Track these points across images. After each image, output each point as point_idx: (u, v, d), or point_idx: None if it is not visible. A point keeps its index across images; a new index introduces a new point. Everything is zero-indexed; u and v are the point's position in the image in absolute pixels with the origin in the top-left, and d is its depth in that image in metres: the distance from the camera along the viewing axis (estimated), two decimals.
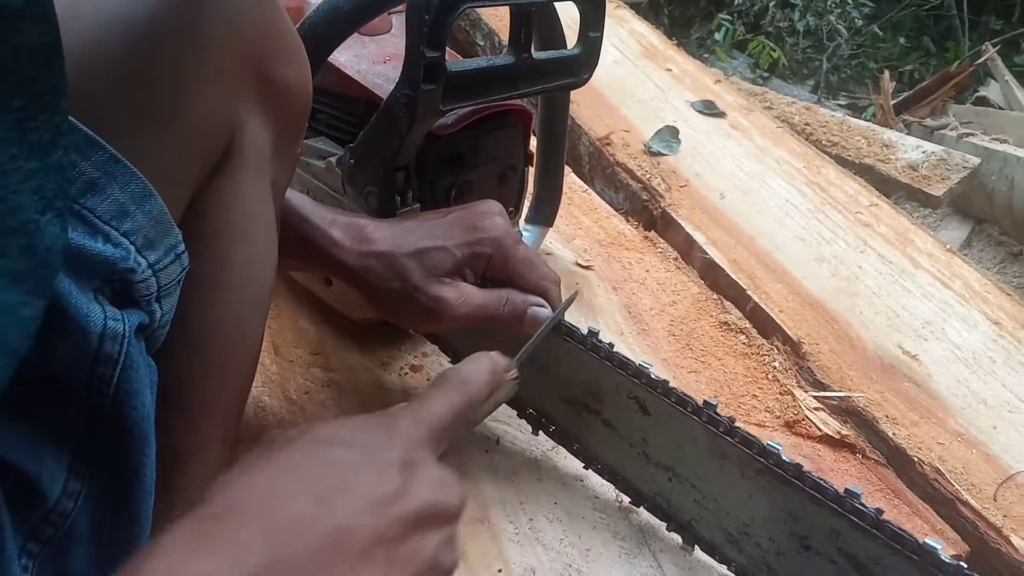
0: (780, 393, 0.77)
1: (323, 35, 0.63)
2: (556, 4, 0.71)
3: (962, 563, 0.46)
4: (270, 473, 0.36)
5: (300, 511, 0.34)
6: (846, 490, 0.50)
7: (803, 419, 0.74)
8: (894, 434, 0.82)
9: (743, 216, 1.14)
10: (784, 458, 0.52)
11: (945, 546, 0.47)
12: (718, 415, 0.55)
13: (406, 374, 0.76)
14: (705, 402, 0.56)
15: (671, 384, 0.57)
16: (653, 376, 0.58)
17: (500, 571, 0.60)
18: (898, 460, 0.80)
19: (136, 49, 0.42)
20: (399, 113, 0.61)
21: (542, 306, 0.61)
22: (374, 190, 0.67)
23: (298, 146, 0.54)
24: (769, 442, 0.53)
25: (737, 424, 0.55)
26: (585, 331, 0.61)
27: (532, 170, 0.80)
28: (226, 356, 0.50)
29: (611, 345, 0.60)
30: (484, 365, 0.48)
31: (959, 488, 0.78)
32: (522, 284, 0.61)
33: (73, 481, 0.42)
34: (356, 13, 0.62)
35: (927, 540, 0.47)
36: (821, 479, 0.51)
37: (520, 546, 0.62)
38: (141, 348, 0.43)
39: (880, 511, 0.49)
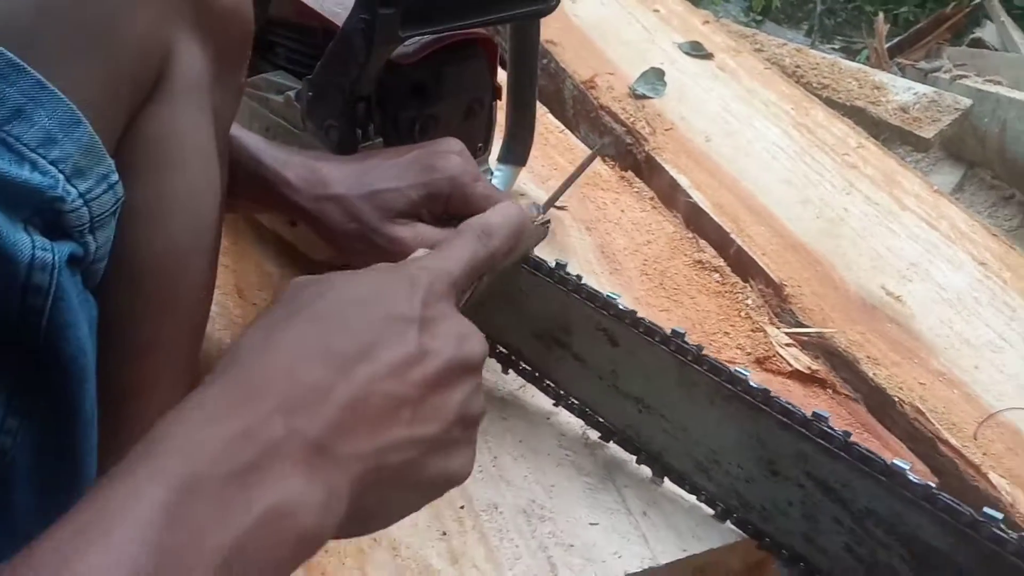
0: (752, 330, 0.76)
1: None
2: None
3: (930, 483, 0.45)
4: (290, 339, 0.35)
5: (318, 380, 0.33)
6: (813, 414, 0.49)
7: (774, 355, 0.73)
8: (875, 374, 0.81)
9: (728, 159, 1.12)
10: (752, 384, 0.51)
11: (913, 466, 0.46)
12: (686, 343, 0.54)
13: None
14: (673, 331, 0.54)
15: (639, 315, 0.56)
16: (621, 307, 0.57)
17: (463, 507, 0.59)
18: (878, 400, 0.80)
19: None
20: (356, 40, 0.59)
21: None
22: (334, 124, 0.65)
23: (241, 75, 0.52)
24: (737, 368, 0.52)
25: (705, 352, 0.54)
26: (552, 264, 0.60)
27: (503, 105, 0.77)
28: (168, 291, 0.48)
29: (579, 277, 0.59)
30: (510, 214, 0.48)
31: (939, 427, 0.77)
32: None
33: (11, 418, 0.41)
34: None
35: (895, 460, 0.46)
36: (789, 403, 0.50)
37: (484, 483, 0.61)
38: (76, 281, 0.42)
39: (848, 433, 0.48)
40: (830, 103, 1.42)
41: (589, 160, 0.58)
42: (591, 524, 0.58)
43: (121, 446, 0.47)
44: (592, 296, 0.58)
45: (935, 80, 1.70)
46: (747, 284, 0.84)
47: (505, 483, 0.61)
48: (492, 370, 0.69)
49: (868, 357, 0.84)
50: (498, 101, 0.74)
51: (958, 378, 0.83)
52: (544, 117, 1.07)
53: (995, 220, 1.57)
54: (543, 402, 0.66)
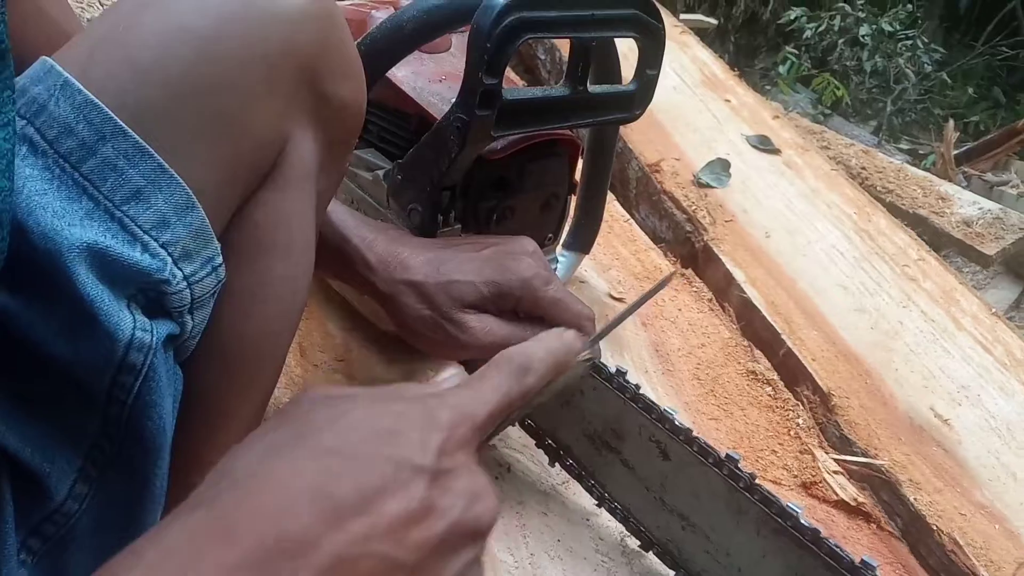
0: (800, 452, 0.76)
1: (383, 52, 0.63)
2: (616, 39, 0.71)
3: None
4: (285, 473, 0.32)
5: (304, 530, 0.30)
6: (862, 561, 0.49)
7: (820, 481, 0.73)
8: (915, 499, 0.80)
9: (786, 257, 1.12)
10: (803, 521, 0.51)
11: None
12: (739, 470, 0.54)
13: None
14: (727, 455, 0.55)
15: (694, 433, 0.57)
16: (677, 423, 0.57)
17: None
18: (916, 527, 0.78)
19: (198, 59, 0.42)
20: (451, 135, 0.62)
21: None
22: (417, 208, 0.67)
23: (346, 161, 0.54)
24: (789, 504, 0.52)
25: (757, 481, 0.54)
26: (613, 369, 0.61)
27: (574, 198, 0.80)
28: (253, 369, 0.50)
29: (637, 387, 0.60)
30: (553, 348, 0.43)
31: (976, 563, 0.75)
32: (554, 323, 0.62)
33: (81, 484, 0.42)
34: (418, 33, 0.62)
35: None
36: (837, 546, 0.50)
37: None
38: (168, 358, 0.43)
39: None
40: (893, 208, 1.41)
41: (652, 293, 0.58)
42: None
43: None
44: (648, 408, 0.59)
45: (1001, 194, 1.69)
46: (799, 403, 0.84)
47: None
48: (538, 462, 0.70)
49: (911, 480, 0.82)
50: (573, 196, 0.76)
51: (1000, 512, 0.81)
52: (610, 205, 1.09)
53: None
54: (585, 502, 0.67)
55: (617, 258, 0.98)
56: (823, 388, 0.90)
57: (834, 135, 1.61)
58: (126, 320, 0.40)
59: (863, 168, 1.48)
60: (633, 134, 1.28)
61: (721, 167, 1.26)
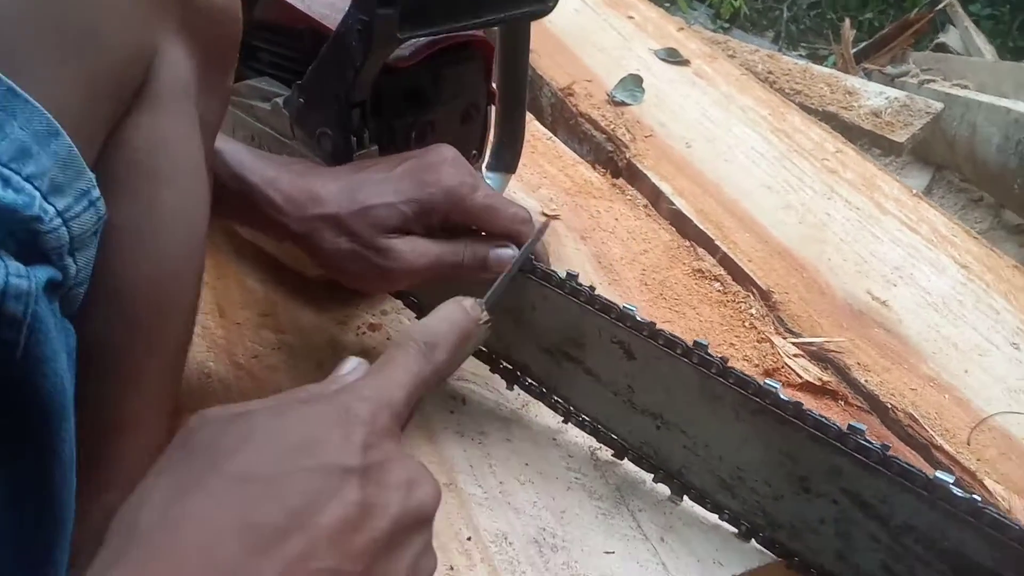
0: (758, 341, 0.75)
1: None
2: None
3: (974, 495, 0.44)
4: (201, 511, 0.30)
5: (236, 568, 0.28)
6: (849, 427, 0.47)
7: (782, 367, 0.72)
8: (866, 381, 0.81)
9: (709, 165, 1.11)
10: (782, 396, 0.49)
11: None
12: (710, 355, 0.52)
13: (364, 333, 0.71)
14: (696, 342, 0.52)
15: (657, 326, 0.54)
16: (639, 318, 0.54)
17: (470, 539, 0.56)
18: (871, 407, 0.79)
19: None
20: (352, 42, 0.56)
21: (506, 247, 0.57)
22: (327, 131, 0.61)
23: (229, 80, 0.49)
24: (766, 381, 0.50)
25: (730, 364, 0.51)
26: (563, 275, 0.57)
27: (494, 109, 0.75)
28: (156, 316, 0.44)
29: (592, 288, 0.56)
30: (453, 319, 0.43)
31: (932, 433, 0.77)
32: (489, 231, 0.58)
33: None
34: None
35: (937, 474, 0.44)
36: (823, 417, 0.48)
37: (490, 511, 0.58)
38: (54, 309, 0.38)
39: (886, 447, 0.46)
40: (803, 108, 1.42)
41: (534, 239, 0.56)
42: (606, 553, 0.56)
43: (101, 490, 0.43)
44: (607, 308, 0.55)
45: (903, 84, 1.73)
46: (749, 294, 0.82)
47: (513, 511, 0.58)
48: (494, 388, 0.66)
49: (859, 364, 0.83)
50: (492, 107, 0.72)
51: (948, 383, 0.83)
52: (531, 124, 1.05)
53: (965, 223, 1.59)
54: (549, 421, 0.64)
55: (545, 176, 0.94)
56: (762, 287, 0.89)
57: (738, 43, 1.61)
58: None
59: (769, 72, 1.48)
60: (541, 60, 1.24)
61: (634, 83, 1.24)
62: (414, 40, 0.61)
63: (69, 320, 0.40)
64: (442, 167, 0.57)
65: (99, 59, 0.39)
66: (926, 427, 0.77)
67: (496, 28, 0.72)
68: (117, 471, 0.44)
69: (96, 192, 0.39)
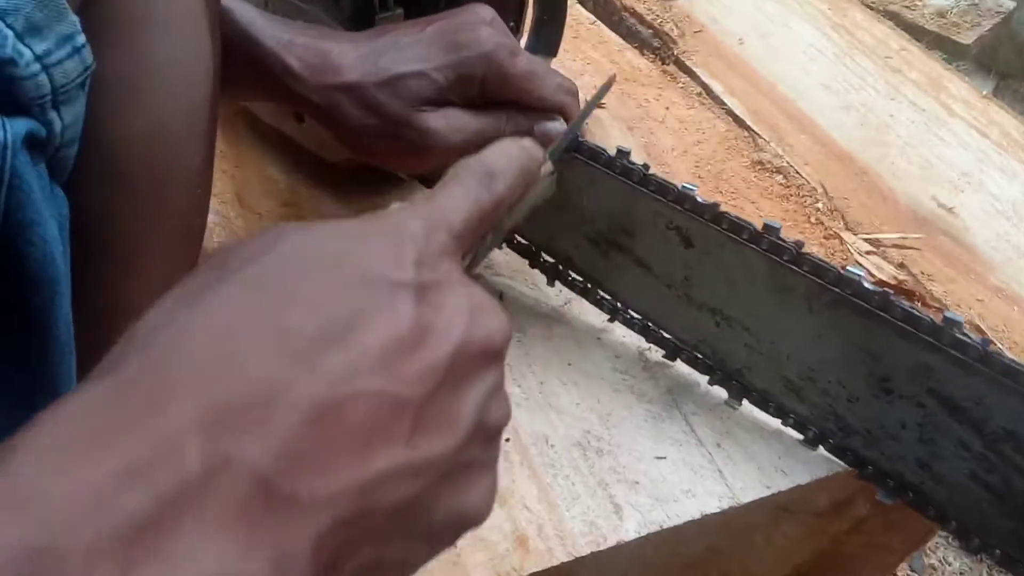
0: (825, 237, 0.69)
1: None
2: None
3: None
4: (216, 313, 0.23)
5: (263, 375, 0.21)
6: (945, 319, 0.41)
7: (853, 265, 0.66)
8: (931, 290, 0.75)
9: (763, 63, 1.04)
10: (867, 286, 0.43)
11: None
12: (782, 240, 0.46)
13: None
14: (766, 225, 0.46)
15: (721, 208, 0.47)
16: (700, 200, 0.48)
17: (508, 440, 0.52)
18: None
19: None
20: None
21: (554, 120, 0.51)
22: None
23: None
24: (849, 268, 0.44)
25: (805, 250, 0.45)
26: (613, 152, 0.51)
27: None
28: (155, 185, 0.39)
29: (646, 167, 0.50)
30: (514, 153, 0.35)
31: (1001, 347, 0.71)
32: (530, 102, 0.51)
33: None
34: None
35: None
36: (914, 308, 0.42)
37: (530, 412, 0.53)
38: (40, 172, 0.33)
39: (988, 341, 0.41)
40: (864, 7, 1.32)
41: (600, 95, 0.49)
42: (657, 458, 0.51)
43: None
44: (663, 189, 0.49)
45: None
46: (815, 187, 0.76)
47: (555, 412, 0.54)
48: (534, 284, 0.61)
49: (923, 273, 0.78)
50: None
51: (1017, 294, 0.77)
52: (572, 8, 0.97)
53: None
54: (594, 319, 0.58)
55: (589, 62, 0.87)
56: (814, 187, 0.83)
57: None
58: None
59: None
60: None
61: None
62: None
63: (60, 189, 0.35)
64: (479, 28, 0.50)
65: None
66: (994, 340, 0.72)
67: None
68: None
69: (81, 38, 0.34)
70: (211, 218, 0.50)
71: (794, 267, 0.45)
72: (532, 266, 0.59)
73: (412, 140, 0.50)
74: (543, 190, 0.38)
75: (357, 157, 0.55)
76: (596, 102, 0.49)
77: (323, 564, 0.21)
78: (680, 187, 0.48)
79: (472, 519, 0.26)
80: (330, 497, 0.21)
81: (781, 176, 0.75)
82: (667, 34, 1.06)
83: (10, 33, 0.31)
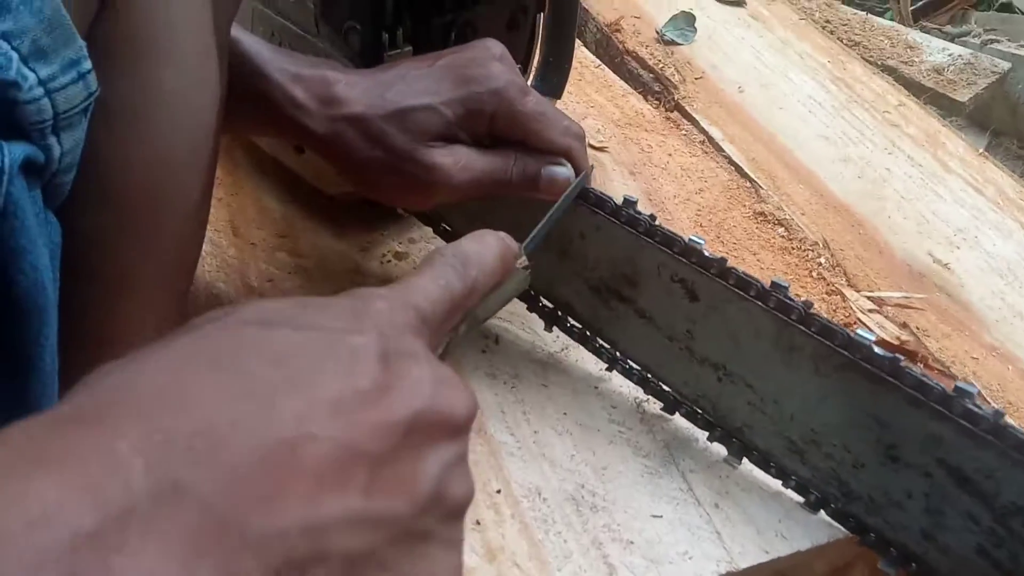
0: (827, 293, 0.68)
1: None
2: None
3: None
4: (172, 361, 0.23)
5: (217, 416, 0.21)
6: (956, 389, 0.40)
7: (855, 323, 0.65)
8: (927, 346, 0.75)
9: (763, 112, 1.04)
10: (876, 351, 0.42)
11: None
12: (790, 299, 0.45)
13: (389, 262, 0.65)
14: (773, 283, 0.45)
15: (729, 263, 0.46)
16: (707, 254, 0.47)
17: (499, 491, 0.50)
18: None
19: None
20: None
21: (562, 165, 0.50)
22: (356, 26, 0.54)
23: None
24: (858, 332, 0.43)
25: (814, 311, 0.44)
26: (619, 201, 0.50)
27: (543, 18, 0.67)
28: (149, 209, 0.38)
29: (652, 217, 0.49)
30: (490, 244, 0.35)
31: (995, 406, 0.71)
32: (537, 143, 0.50)
33: None
34: None
35: None
36: (924, 375, 0.41)
37: (523, 462, 0.52)
38: (35, 197, 0.32)
39: (1000, 413, 0.40)
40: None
41: (576, 188, 0.49)
42: (653, 516, 0.49)
43: None
44: (669, 241, 0.48)
45: (964, 44, 1.63)
46: (817, 242, 0.75)
47: (548, 463, 0.52)
48: (531, 328, 0.59)
49: (918, 328, 0.77)
50: (542, 14, 0.64)
51: (1012, 353, 0.76)
52: (577, 50, 0.97)
53: None
54: (591, 367, 0.57)
55: (592, 105, 0.87)
56: (816, 242, 0.83)
57: None
58: None
59: (827, 21, 1.38)
60: None
61: (685, 21, 1.16)
62: None
63: (53, 215, 0.34)
64: (490, 63, 0.49)
65: None
66: (988, 399, 0.71)
67: None
68: None
69: (87, 64, 0.33)
70: (204, 247, 0.49)
71: (802, 327, 0.44)
72: (530, 310, 0.58)
73: (417, 175, 0.49)
74: (518, 283, 0.38)
75: (359, 191, 0.54)
76: (582, 183, 0.49)
77: None
78: (687, 240, 0.48)
79: None
80: (281, 533, 0.21)
81: (783, 228, 0.74)
82: (668, 79, 1.07)
83: (15, 56, 0.30)
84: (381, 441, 0.23)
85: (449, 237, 0.62)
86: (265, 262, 0.63)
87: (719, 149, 0.93)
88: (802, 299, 0.44)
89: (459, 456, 0.27)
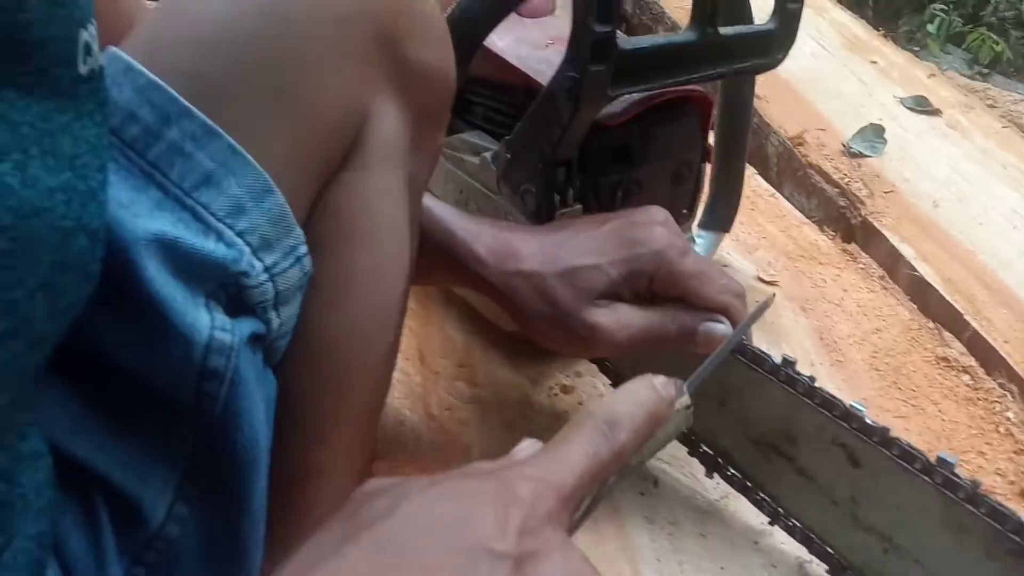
0: (1015, 452, 0.62)
1: (476, 17, 0.56)
2: None
3: None
4: (343, 569, 0.29)
5: None
6: None
7: None
8: None
9: (960, 228, 0.98)
10: None
11: None
12: (956, 476, 0.43)
13: (555, 394, 0.68)
14: (940, 458, 0.43)
15: (891, 433, 0.45)
16: (868, 421, 0.46)
17: None
18: None
19: (262, 25, 0.38)
20: (561, 99, 0.54)
21: (719, 322, 0.52)
22: (531, 188, 0.60)
23: (440, 138, 0.49)
24: None
25: (983, 491, 0.42)
26: (778, 360, 0.50)
27: (709, 166, 0.70)
28: (344, 371, 0.44)
29: (812, 379, 0.49)
30: (643, 400, 0.37)
31: None
32: (695, 300, 0.53)
33: (180, 505, 0.38)
34: None
35: None
36: None
37: None
38: (256, 360, 0.39)
39: None
40: None
41: (753, 318, 0.49)
42: None
43: (291, 536, 0.43)
44: (828, 404, 0.48)
45: None
46: (1006, 393, 0.70)
47: None
48: (691, 473, 0.60)
49: None
50: (707, 164, 0.67)
51: None
52: (751, 179, 0.98)
53: None
54: (752, 519, 0.56)
55: (764, 236, 0.87)
56: (1020, 374, 0.76)
57: (999, 92, 1.41)
58: (202, 320, 0.36)
59: None
60: (770, 107, 1.16)
61: (874, 133, 1.12)
62: (627, 95, 0.57)
63: (271, 371, 0.41)
64: (653, 227, 0.53)
65: (312, 120, 0.40)
66: None
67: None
68: (302, 523, 0.45)
69: (304, 248, 0.40)
70: (394, 374, 0.55)
71: (970, 506, 0.42)
72: (691, 454, 0.58)
73: (579, 333, 0.53)
74: (676, 426, 0.39)
75: (528, 336, 0.58)
76: (747, 327, 0.50)
77: None
78: (848, 405, 0.47)
79: None
80: None
81: (968, 376, 0.69)
82: (855, 194, 1.03)
83: (247, 249, 0.37)
84: None
85: (610, 374, 0.65)
86: (446, 391, 0.69)
87: (899, 285, 0.87)
88: (969, 478, 0.42)
89: None
